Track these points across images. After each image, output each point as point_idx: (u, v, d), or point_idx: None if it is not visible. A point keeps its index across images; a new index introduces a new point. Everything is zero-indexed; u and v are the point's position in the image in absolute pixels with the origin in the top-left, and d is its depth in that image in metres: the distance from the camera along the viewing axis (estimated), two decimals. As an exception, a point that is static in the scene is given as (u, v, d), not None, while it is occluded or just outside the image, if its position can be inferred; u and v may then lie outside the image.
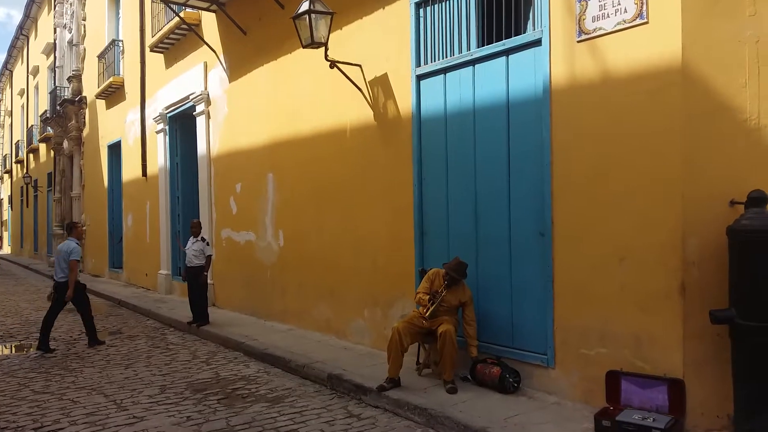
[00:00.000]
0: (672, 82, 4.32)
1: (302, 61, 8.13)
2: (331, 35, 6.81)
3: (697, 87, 4.29)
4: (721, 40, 4.29)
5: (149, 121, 13.76)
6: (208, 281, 9.45)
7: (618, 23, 4.60)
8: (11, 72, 33.91)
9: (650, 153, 4.46)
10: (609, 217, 4.72)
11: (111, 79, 15.71)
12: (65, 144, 20.36)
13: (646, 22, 4.44)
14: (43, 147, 25.94)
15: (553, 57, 5.09)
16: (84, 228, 7.84)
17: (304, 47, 6.90)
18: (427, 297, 5.63)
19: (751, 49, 4.25)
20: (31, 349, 8.16)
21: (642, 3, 4.44)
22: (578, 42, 4.89)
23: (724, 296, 4.12)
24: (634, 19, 4.50)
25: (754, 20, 4.25)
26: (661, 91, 4.38)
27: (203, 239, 9.09)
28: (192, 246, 9.04)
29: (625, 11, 4.55)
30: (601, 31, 4.72)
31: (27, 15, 27.52)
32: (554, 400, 5.00)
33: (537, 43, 5.24)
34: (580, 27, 4.87)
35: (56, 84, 21.67)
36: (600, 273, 4.78)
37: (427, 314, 5.57)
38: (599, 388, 4.66)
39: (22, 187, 30.63)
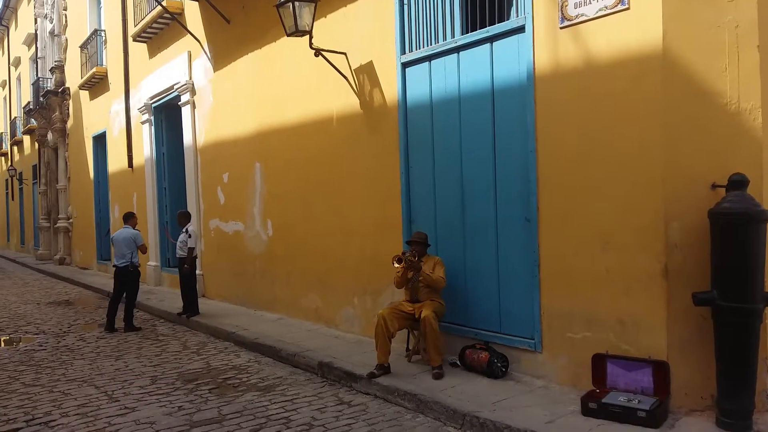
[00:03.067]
0: (653, 67, 4.36)
1: (287, 49, 8.09)
2: (315, 23, 6.78)
3: (677, 72, 4.33)
4: (701, 26, 4.32)
5: (134, 112, 13.65)
6: (197, 272, 9.42)
7: (600, 9, 4.62)
8: (-8, 63, 33.37)
9: (632, 138, 4.50)
10: (593, 201, 4.78)
11: (94, 70, 15.54)
12: (50, 136, 20.16)
13: (627, 8, 4.46)
14: (27, 139, 25.64)
15: (536, 44, 5.11)
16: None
17: (288, 35, 6.87)
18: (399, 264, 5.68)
19: (731, 34, 4.29)
20: (28, 341, 8.15)
21: (624, -11, 4.46)
22: (561, 28, 4.91)
23: (706, 278, 4.19)
24: (616, 5, 4.52)
25: (734, 5, 4.28)
26: (642, 77, 4.42)
27: (186, 231, 9.04)
28: (180, 238, 9.09)
29: (607, -3, 4.57)
30: (584, 18, 4.74)
31: (6, 5, 27.05)
32: (542, 384, 5.08)
33: (520, 29, 5.25)
34: (562, 13, 4.88)
35: (39, 75, 21.41)
36: (585, 257, 4.84)
37: (407, 259, 5.61)
38: (586, 372, 4.74)
39: (6, 180, 30.31)
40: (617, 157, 4.60)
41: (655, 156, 4.38)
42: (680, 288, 4.31)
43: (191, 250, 8.93)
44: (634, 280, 4.53)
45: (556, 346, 5.07)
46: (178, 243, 9.11)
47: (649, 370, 4.40)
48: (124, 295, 8.89)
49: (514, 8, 5.39)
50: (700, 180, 4.31)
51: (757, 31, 4.27)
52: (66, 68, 19.04)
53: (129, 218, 9.31)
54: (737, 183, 4.11)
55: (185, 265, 8.94)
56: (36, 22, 21.65)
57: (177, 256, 9.23)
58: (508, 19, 5.44)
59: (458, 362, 5.65)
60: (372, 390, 5.39)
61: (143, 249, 9.07)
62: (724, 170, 4.20)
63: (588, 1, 4.69)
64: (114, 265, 9.06)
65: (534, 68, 5.12)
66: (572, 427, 4.18)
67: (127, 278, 8.86)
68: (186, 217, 9.26)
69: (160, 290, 12.17)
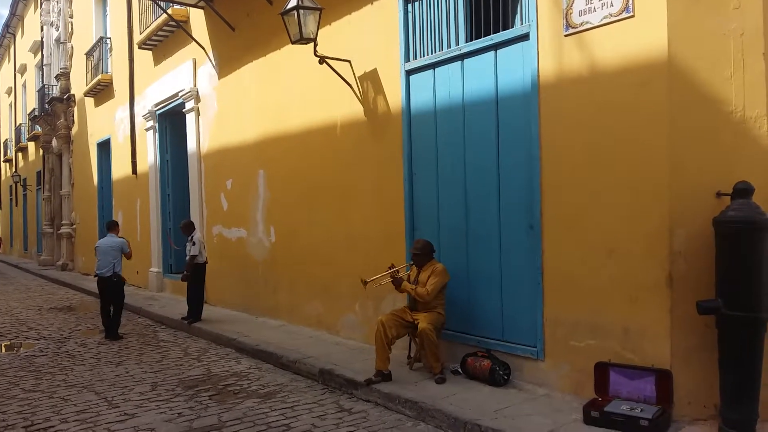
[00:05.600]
0: (658, 75, 4.35)
1: (291, 57, 8.12)
2: (319, 31, 6.80)
3: (682, 79, 4.33)
4: (706, 33, 4.32)
5: (138, 119, 13.70)
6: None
7: (604, 17, 4.63)
8: (-2, 70, 33.62)
9: (637, 145, 4.49)
10: (597, 209, 4.76)
11: (99, 77, 15.63)
12: (54, 142, 20.23)
13: (632, 16, 4.46)
14: (31, 145, 25.75)
15: (540, 51, 5.11)
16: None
17: (293, 43, 6.89)
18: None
19: (736, 42, 4.29)
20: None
21: (628, -4, 4.47)
22: (566, 36, 4.91)
23: (710, 287, 4.16)
24: (621, 13, 4.52)
25: (738, 13, 4.28)
26: (648, 84, 4.41)
27: (191, 239, 9.12)
28: (185, 247, 9.26)
29: (612, 5, 4.57)
30: (588, 25, 4.74)
31: (13, 13, 27.26)
32: (544, 392, 5.04)
33: (525, 37, 5.26)
34: (567, 21, 4.89)
35: (44, 82, 21.52)
36: (589, 265, 4.81)
37: (375, 282, 5.83)
38: (588, 380, 4.70)
39: (11, 186, 30.41)
40: (622, 165, 4.59)
41: (660, 164, 4.36)
42: (684, 296, 4.29)
43: (192, 257, 8.97)
44: (638, 288, 4.51)
45: (559, 354, 5.04)
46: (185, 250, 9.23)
47: (652, 379, 4.36)
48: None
49: (518, 16, 5.40)
50: (706, 188, 4.30)
51: (762, 38, 4.27)
52: (71, 75, 19.15)
53: (113, 227, 9.30)
54: (742, 191, 4.09)
55: (185, 272, 9.05)
56: (42, 30, 21.81)
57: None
58: (512, 27, 5.45)
59: (460, 370, 5.61)
60: (373, 397, 5.35)
61: (129, 256, 9.07)
62: (729, 178, 4.18)
63: (593, 9, 4.69)
64: (96, 275, 8.82)
65: (538, 76, 5.12)
66: (575, 436, 4.14)
67: (113, 288, 8.74)
68: (189, 227, 9.31)
69: (161, 296, 12.16)
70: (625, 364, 4.53)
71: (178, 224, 11.86)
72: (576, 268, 4.91)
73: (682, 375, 4.30)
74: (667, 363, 4.33)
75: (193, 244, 9.03)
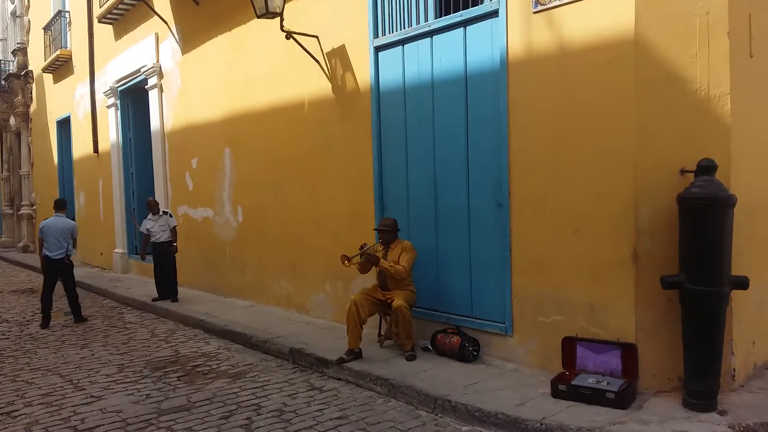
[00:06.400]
0: (625, 53, 4.38)
1: (258, 32, 7.94)
2: (286, 5, 6.68)
3: (649, 58, 4.36)
4: (673, 12, 4.35)
5: (99, 96, 13.31)
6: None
7: (573, -6, 4.62)
8: (-50, 45, 32.24)
9: (604, 123, 4.53)
10: (564, 187, 4.80)
11: (58, 52, 15.07)
12: (12, 120, 19.58)
13: (601, -7, 4.47)
14: (-12, 123, 24.86)
15: (510, 28, 5.09)
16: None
17: (258, 17, 6.74)
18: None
19: (702, 21, 4.32)
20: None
21: (597, -27, 4.46)
22: (534, 13, 4.90)
23: (675, 263, 4.24)
24: (589, -10, 4.52)
25: (705, -9, 4.31)
26: (615, 62, 4.43)
27: (165, 212, 9.18)
28: (157, 222, 9.07)
29: (581, -18, 4.56)
30: (557, 2, 4.73)
31: (-35, -16, 26.12)
32: (513, 367, 5.11)
33: (494, 14, 5.23)
34: (536, -3, 4.87)
35: (0, 57, 20.73)
36: (556, 242, 4.87)
37: (355, 261, 5.74)
38: (556, 355, 4.78)
39: (-33, 166, 29.38)
40: (589, 143, 4.62)
41: (627, 141, 4.41)
42: (649, 272, 4.37)
43: (174, 228, 9.08)
44: (603, 264, 4.58)
45: (527, 330, 5.11)
46: (155, 228, 9.04)
47: (618, 353, 4.46)
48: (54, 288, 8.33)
49: (487, -8, 5.36)
50: (670, 165, 4.36)
51: (727, 17, 4.31)
52: (29, 51, 18.45)
53: (63, 206, 8.63)
54: (706, 168, 4.15)
55: (174, 244, 9.01)
56: (-4, 3, 20.96)
57: (156, 241, 9.08)
58: (481, 4, 5.40)
59: (430, 347, 5.65)
60: (344, 375, 5.36)
61: (74, 242, 8.45)
62: (693, 155, 4.24)
63: (561, -15, 4.67)
64: (46, 256, 8.16)
65: (507, 53, 5.11)
66: (542, 409, 4.20)
67: (64, 270, 8.26)
68: (156, 205, 9.28)
69: (126, 278, 11.94)
70: (591, 338, 4.61)
71: (142, 204, 11.73)
72: (543, 245, 4.96)
73: (647, 348, 4.40)
74: (633, 337, 4.42)
75: (170, 216, 9.15)
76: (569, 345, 4.69)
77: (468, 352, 5.30)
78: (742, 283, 4.13)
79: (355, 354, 5.50)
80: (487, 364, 5.26)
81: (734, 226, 4.12)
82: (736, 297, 4.29)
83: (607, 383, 4.30)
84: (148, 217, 9.24)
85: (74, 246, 8.47)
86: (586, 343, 4.62)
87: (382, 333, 6.06)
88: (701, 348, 4.10)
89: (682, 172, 4.33)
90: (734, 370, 4.42)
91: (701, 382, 4.09)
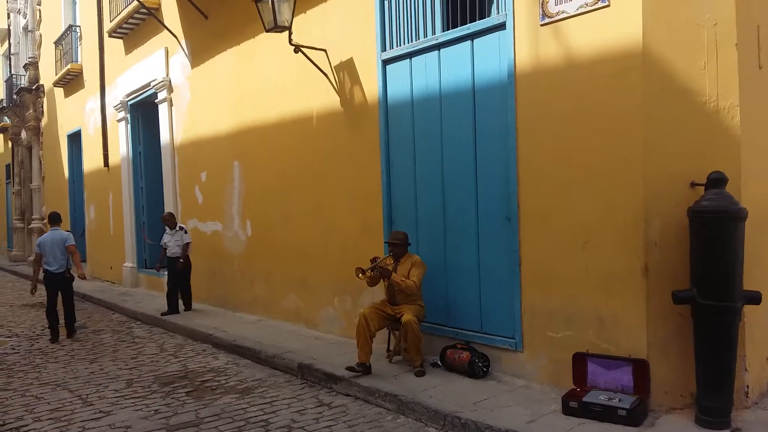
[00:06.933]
0: (633, 65, 4.35)
1: (266, 46, 7.98)
2: (295, 19, 6.70)
3: (657, 70, 4.33)
4: (681, 24, 4.32)
5: (110, 110, 13.41)
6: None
7: (580, 6, 4.61)
8: (-36, 60, 32.68)
9: (612, 136, 4.49)
10: (573, 199, 4.76)
11: (69, 66, 15.23)
12: (23, 134, 19.77)
13: (608, 5, 4.45)
14: (0, 138, 25.13)
15: (517, 41, 5.08)
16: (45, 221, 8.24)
17: (267, 31, 6.77)
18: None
19: (710, 32, 4.30)
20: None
21: (604, -14, 4.45)
22: (542, 25, 4.89)
23: (685, 276, 4.19)
24: (596, 3, 4.51)
25: (712, 3, 4.29)
26: (623, 74, 4.41)
27: (181, 228, 9.40)
28: (173, 237, 9.31)
29: (588, -6, 4.55)
30: (564, 15, 4.72)
31: (-22, 0, 26.48)
32: (523, 383, 5.06)
33: (501, 26, 5.22)
34: (543, 10, 4.86)
35: (12, 72, 20.98)
36: (565, 256, 4.82)
37: (369, 274, 5.69)
38: (566, 370, 4.72)
39: (-21, 180, 29.67)
40: (598, 155, 4.59)
41: (635, 153, 4.37)
42: (660, 286, 4.31)
43: (186, 245, 9.23)
44: (614, 278, 4.53)
45: (537, 346, 5.05)
46: (171, 242, 9.27)
47: (629, 369, 4.40)
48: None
49: (495, 5, 5.36)
50: (680, 178, 4.32)
51: (735, 29, 4.28)
52: (40, 65, 18.67)
53: (58, 220, 8.69)
54: (716, 181, 4.11)
55: (180, 260, 9.15)
56: (9, 18, 21.19)
57: (170, 256, 9.32)
58: (489, 16, 5.41)
59: (439, 362, 5.61)
60: (353, 391, 5.32)
61: (73, 248, 8.35)
62: (703, 168, 4.20)
63: (568, -2, 4.66)
64: (47, 271, 8.22)
65: (515, 66, 5.10)
66: (553, 427, 4.15)
67: (66, 284, 8.32)
68: (171, 219, 9.50)
69: (136, 292, 11.97)
70: (602, 354, 4.56)
71: (151, 218, 11.90)
72: (553, 259, 4.91)
73: (659, 364, 4.34)
74: (644, 353, 4.36)
75: (185, 232, 9.35)
76: (580, 361, 4.63)
77: (478, 368, 5.25)
78: (755, 298, 4.08)
79: (365, 368, 5.47)
80: (497, 380, 5.21)
81: (745, 239, 4.07)
82: (748, 312, 4.23)
83: (619, 400, 4.25)
84: (166, 231, 9.44)
85: (73, 252, 8.33)
86: (597, 358, 4.56)
87: (391, 348, 6.02)
88: (713, 364, 4.04)
89: (693, 185, 4.28)
90: (747, 386, 4.35)
91: (714, 399, 4.02)
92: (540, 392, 4.84)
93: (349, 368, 5.43)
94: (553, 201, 4.90)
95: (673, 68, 4.34)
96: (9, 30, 21.48)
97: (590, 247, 4.66)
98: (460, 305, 5.75)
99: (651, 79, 4.33)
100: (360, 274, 5.65)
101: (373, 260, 5.80)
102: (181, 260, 9.16)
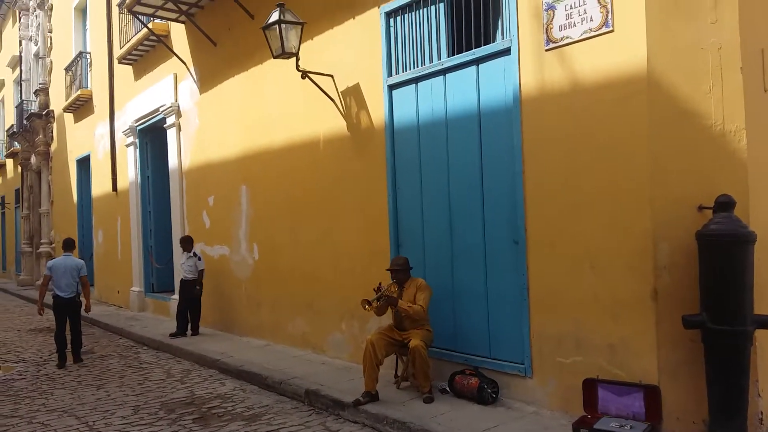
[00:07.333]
0: (638, 89, 4.37)
1: (273, 71, 8.07)
2: (302, 45, 6.77)
3: (662, 94, 4.34)
4: (685, 48, 4.34)
5: (119, 135, 13.55)
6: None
7: (584, 32, 4.64)
8: (-24, 86, 33.13)
9: (619, 159, 4.49)
10: (581, 223, 4.75)
11: (79, 92, 15.45)
12: (33, 159, 19.96)
13: (612, 31, 4.48)
14: (9, 162, 25.38)
15: (522, 66, 5.12)
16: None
17: (274, 57, 6.85)
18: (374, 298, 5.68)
19: (714, 56, 4.32)
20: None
21: (607, 12, 4.49)
22: (546, 51, 4.92)
23: (695, 300, 4.15)
24: (600, 28, 4.54)
25: (716, 28, 4.31)
26: (628, 99, 4.42)
27: (195, 254, 9.52)
28: (187, 262, 9.47)
29: (591, 20, 4.59)
30: (568, 40, 4.76)
31: (-9, 28, 26.96)
32: (532, 410, 4.99)
33: (506, 52, 5.26)
34: (547, 36, 4.90)
35: (23, 98, 21.27)
36: (574, 280, 4.79)
37: (375, 305, 5.61)
38: (576, 397, 4.66)
39: (-11, 204, 29.89)
40: (604, 179, 4.58)
41: (642, 177, 4.36)
42: (670, 311, 4.27)
43: (201, 272, 9.40)
44: (623, 302, 4.49)
45: (546, 371, 5.00)
46: (185, 266, 9.46)
47: (641, 395, 4.34)
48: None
49: (499, 31, 5.41)
50: (687, 201, 4.30)
51: (739, 53, 4.30)
52: (50, 91, 18.93)
53: (71, 246, 8.79)
54: (724, 204, 4.10)
55: (197, 287, 9.33)
56: (21, 44, 21.55)
57: (183, 279, 9.51)
58: (493, 42, 5.45)
59: (448, 388, 5.55)
60: (360, 418, 5.27)
61: (84, 279, 8.41)
62: (710, 191, 4.19)
63: (573, 24, 4.70)
64: (56, 296, 8.24)
65: (520, 90, 5.12)
66: (564, 455, 4.10)
67: (74, 309, 8.35)
68: (188, 242, 9.65)
69: (143, 316, 11.96)
70: (613, 380, 4.50)
71: (159, 242, 11.98)
72: (561, 283, 4.88)
73: (670, 390, 4.28)
74: (655, 378, 4.30)
75: (199, 258, 9.50)
76: (590, 387, 4.57)
77: (487, 394, 5.19)
78: (767, 323, 4.03)
79: (372, 396, 5.41)
80: (506, 406, 5.14)
81: (755, 263, 4.04)
82: (760, 337, 4.18)
83: (630, 427, 4.19)
84: (183, 252, 9.64)
85: (83, 282, 8.41)
86: (608, 384, 4.50)
87: (399, 374, 5.96)
88: (726, 390, 3.98)
89: (700, 208, 4.27)
90: (761, 413, 4.27)
91: (727, 426, 3.96)
92: (550, 419, 4.78)
93: (356, 401, 5.36)
94: (561, 224, 4.88)
95: (679, 92, 4.35)
96: (21, 57, 21.82)
97: (598, 271, 4.63)
98: (468, 330, 5.71)
99: (656, 103, 4.34)
100: (366, 306, 5.59)
101: (378, 289, 5.72)
102: (198, 287, 9.33)
